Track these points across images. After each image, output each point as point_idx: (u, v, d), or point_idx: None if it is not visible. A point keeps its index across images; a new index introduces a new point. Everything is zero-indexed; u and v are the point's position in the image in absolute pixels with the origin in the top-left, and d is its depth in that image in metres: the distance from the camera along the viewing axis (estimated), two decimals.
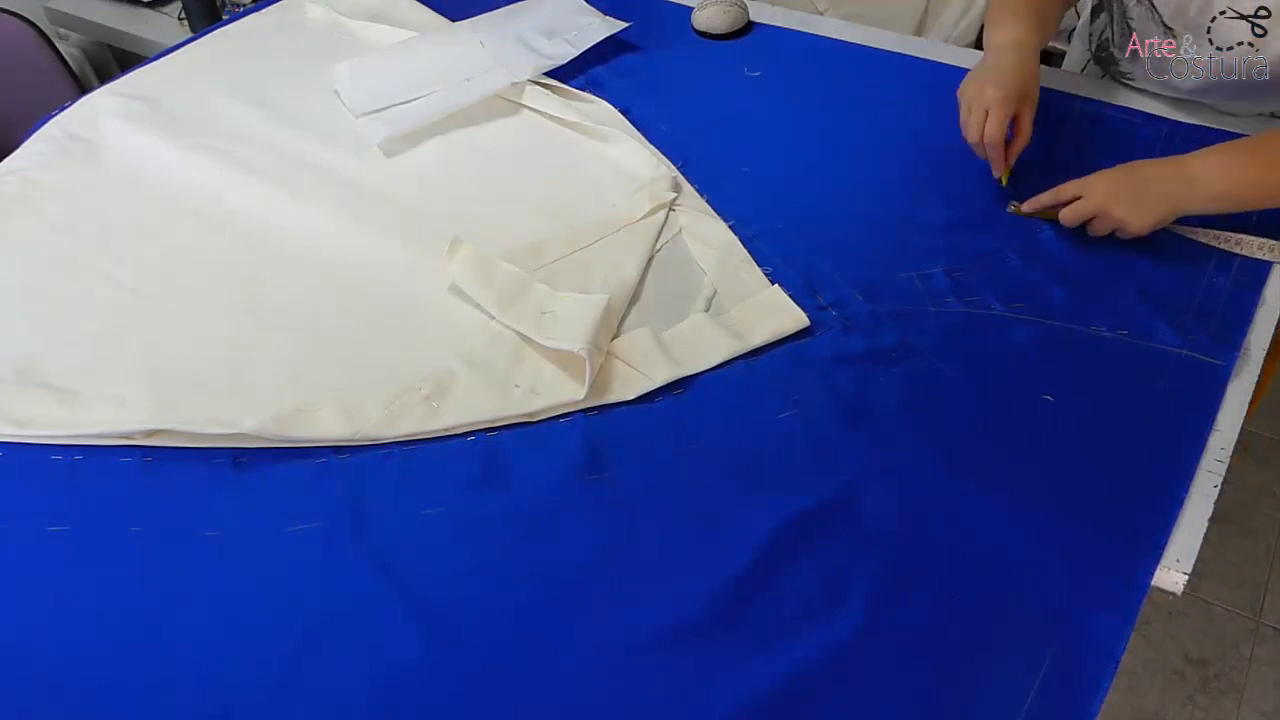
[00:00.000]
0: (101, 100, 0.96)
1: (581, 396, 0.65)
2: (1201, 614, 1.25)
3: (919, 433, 0.63)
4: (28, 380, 0.68)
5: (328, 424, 0.64)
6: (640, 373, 0.67)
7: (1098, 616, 0.53)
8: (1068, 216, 0.73)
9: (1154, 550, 0.56)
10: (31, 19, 1.25)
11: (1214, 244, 0.73)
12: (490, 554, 0.58)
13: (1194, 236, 0.74)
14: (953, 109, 0.83)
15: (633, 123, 0.92)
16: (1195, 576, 0.55)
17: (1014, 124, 0.77)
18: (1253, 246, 0.72)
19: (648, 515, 0.59)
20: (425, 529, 0.59)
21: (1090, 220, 0.73)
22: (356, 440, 0.63)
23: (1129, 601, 0.53)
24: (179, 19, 1.46)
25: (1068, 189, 0.74)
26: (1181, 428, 0.63)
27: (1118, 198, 0.71)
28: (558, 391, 0.66)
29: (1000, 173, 0.79)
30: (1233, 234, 0.73)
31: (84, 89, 1.13)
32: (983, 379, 0.66)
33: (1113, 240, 0.74)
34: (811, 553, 0.57)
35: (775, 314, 0.71)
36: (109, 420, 0.64)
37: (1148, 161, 0.72)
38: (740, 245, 0.78)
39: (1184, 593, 0.56)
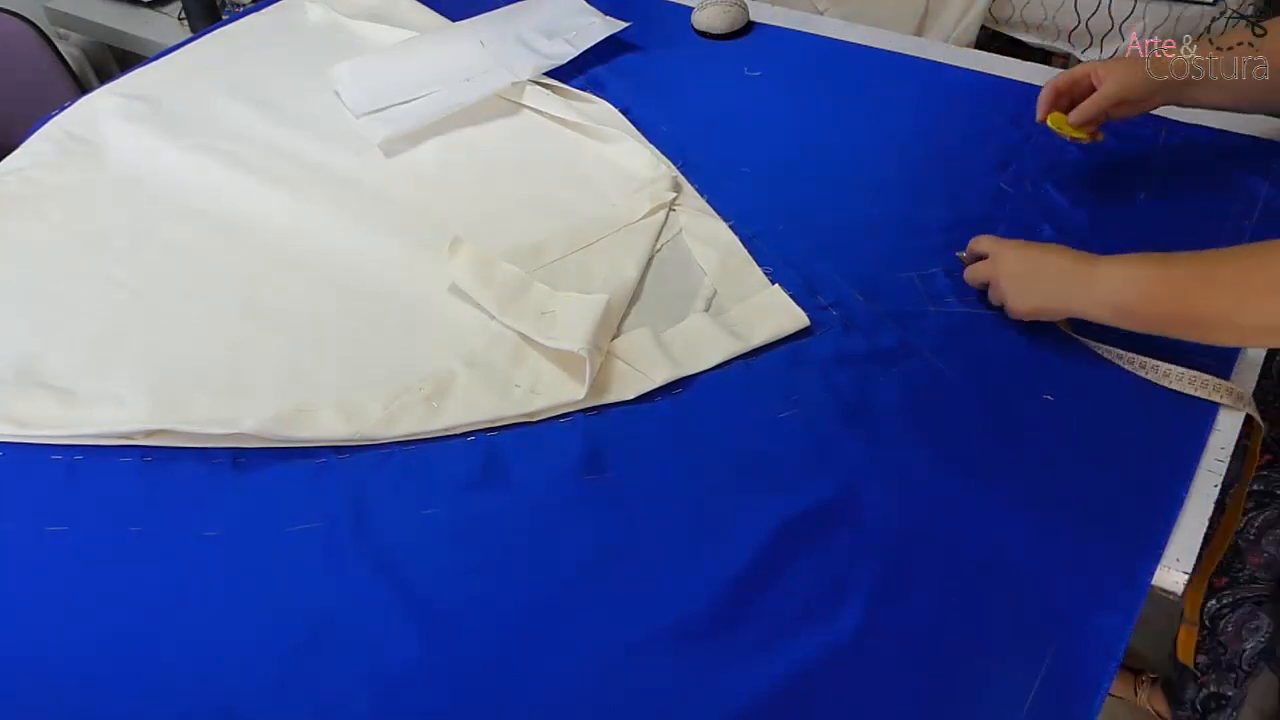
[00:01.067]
0: (101, 100, 0.96)
1: (581, 396, 0.65)
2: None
3: (919, 433, 0.63)
4: (28, 380, 0.67)
5: (328, 424, 0.64)
6: (640, 372, 0.67)
7: (1098, 616, 0.53)
8: (969, 277, 0.70)
9: (1154, 550, 0.56)
10: (31, 19, 1.26)
11: (1135, 370, 0.65)
12: (490, 554, 0.58)
13: (1114, 359, 0.66)
14: (953, 108, 0.83)
15: (633, 123, 0.92)
16: (1195, 576, 0.55)
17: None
18: (1179, 379, 0.64)
19: (648, 515, 0.59)
20: (425, 529, 0.59)
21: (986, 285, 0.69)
22: (356, 440, 0.63)
23: (1129, 601, 0.53)
24: (179, 19, 1.46)
25: (982, 243, 0.70)
26: (1182, 427, 0.63)
27: (1010, 274, 0.66)
28: (558, 391, 0.66)
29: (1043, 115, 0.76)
30: (1159, 362, 0.64)
31: (84, 89, 1.13)
32: (983, 379, 0.66)
33: (1112, 241, 0.74)
34: (811, 553, 0.57)
35: (775, 314, 0.71)
36: (109, 420, 0.64)
37: (1063, 249, 0.64)
38: (740, 245, 0.78)
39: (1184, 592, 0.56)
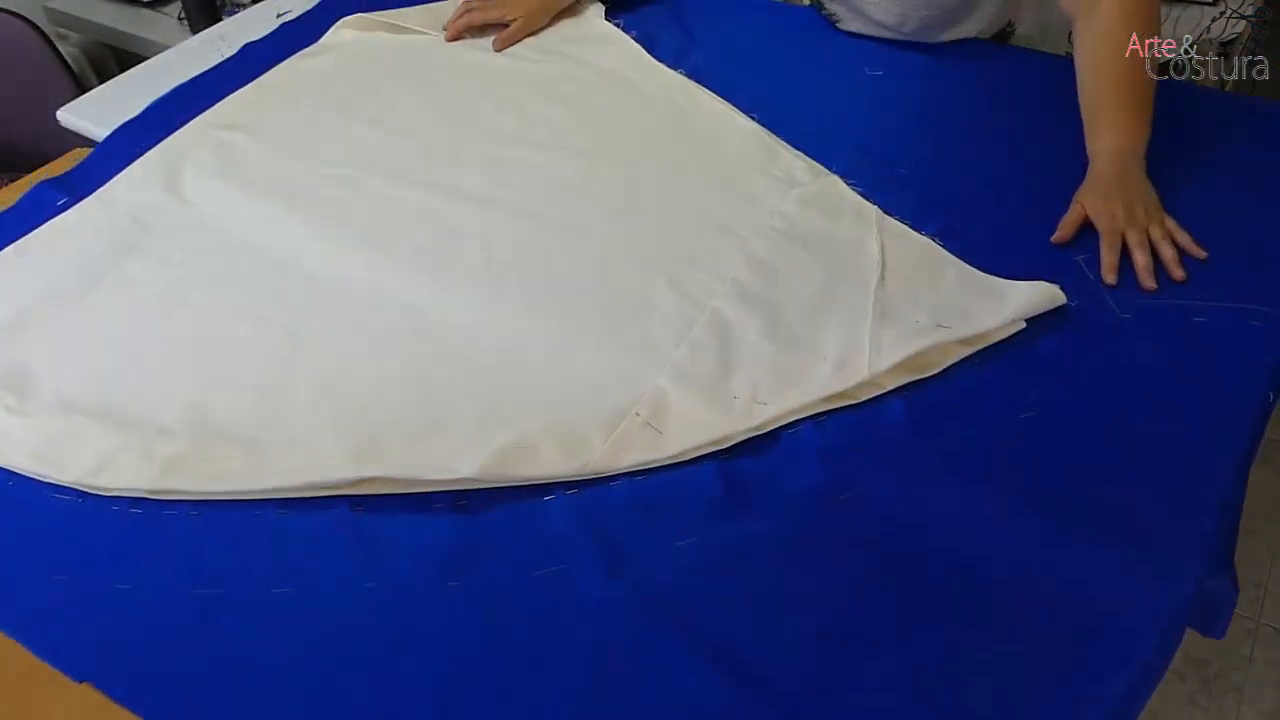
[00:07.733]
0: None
1: (806, 401, 0.62)
2: None
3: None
4: (203, 431, 0.61)
5: (550, 461, 0.60)
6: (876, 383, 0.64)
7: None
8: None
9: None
10: (31, 19, 1.20)
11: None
12: (760, 583, 0.56)
13: None
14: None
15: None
16: None
17: None
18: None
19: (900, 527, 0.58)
20: (686, 562, 0.56)
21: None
22: (582, 475, 0.60)
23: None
24: (179, 19, 1.38)
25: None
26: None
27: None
28: (781, 398, 0.63)
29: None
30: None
31: (84, 89, 1.09)
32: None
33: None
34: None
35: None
36: (306, 469, 0.59)
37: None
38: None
39: None
